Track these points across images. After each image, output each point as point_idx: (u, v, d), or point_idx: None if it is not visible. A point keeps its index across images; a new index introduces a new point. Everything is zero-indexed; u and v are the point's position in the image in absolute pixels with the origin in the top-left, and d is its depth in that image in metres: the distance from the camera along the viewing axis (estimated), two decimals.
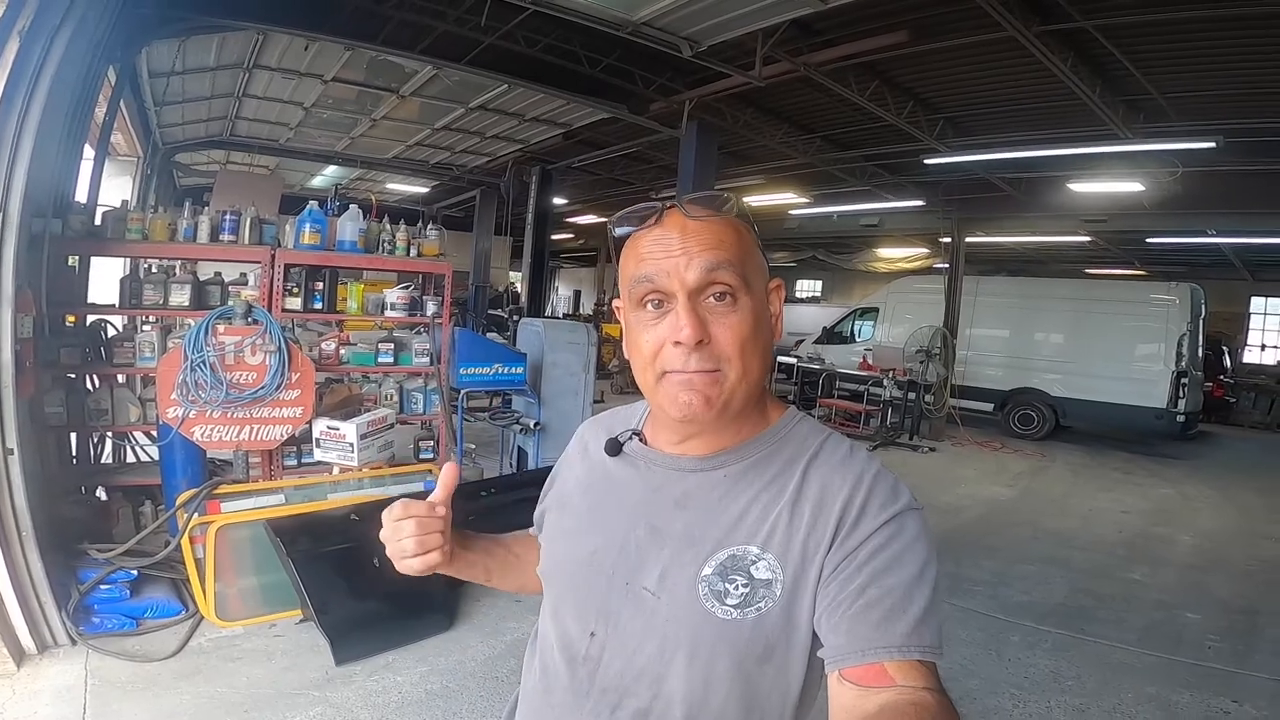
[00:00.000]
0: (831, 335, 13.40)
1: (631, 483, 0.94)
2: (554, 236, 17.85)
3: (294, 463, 4.39)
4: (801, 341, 14.19)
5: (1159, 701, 3.46)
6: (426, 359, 4.80)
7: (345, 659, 3.20)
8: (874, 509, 0.79)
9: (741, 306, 0.80)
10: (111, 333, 4.29)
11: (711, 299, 0.80)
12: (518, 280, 15.31)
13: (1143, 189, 9.17)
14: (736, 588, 0.81)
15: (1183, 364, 10.06)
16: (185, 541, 3.43)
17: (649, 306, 0.82)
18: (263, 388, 3.82)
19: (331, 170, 13.40)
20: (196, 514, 3.51)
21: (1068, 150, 8.18)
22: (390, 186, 14.48)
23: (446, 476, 1.00)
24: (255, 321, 3.88)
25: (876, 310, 12.85)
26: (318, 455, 4.07)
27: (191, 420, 3.74)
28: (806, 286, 25.10)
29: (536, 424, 5.28)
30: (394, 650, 3.34)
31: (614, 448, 0.97)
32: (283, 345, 3.88)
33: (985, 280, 12.26)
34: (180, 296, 4.19)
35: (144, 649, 3.19)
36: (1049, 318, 11.39)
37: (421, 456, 4.83)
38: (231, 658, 3.22)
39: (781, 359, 12.40)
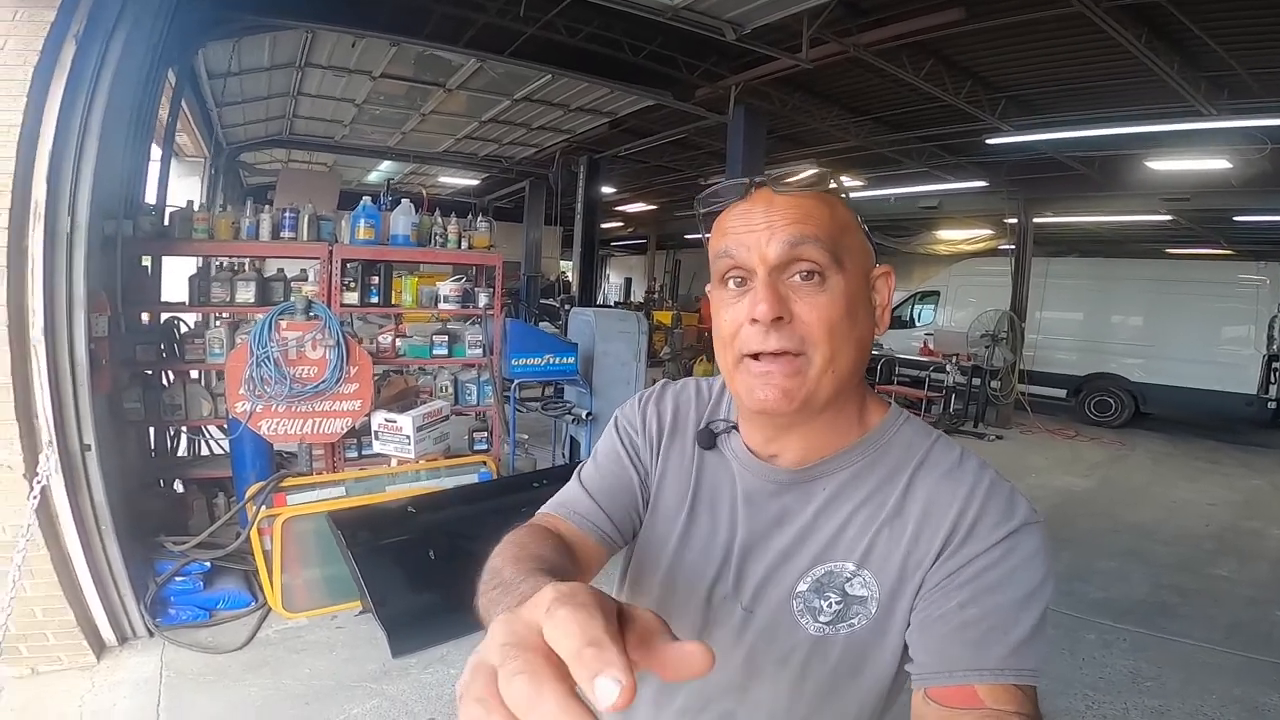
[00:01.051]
0: (892, 320, 13.01)
1: (725, 487, 0.88)
2: (603, 225, 17.83)
3: (355, 455, 4.46)
4: None
5: (1245, 704, 3.24)
6: (479, 350, 4.81)
7: (401, 651, 3.23)
8: (985, 528, 0.73)
9: (831, 287, 0.73)
10: (184, 330, 4.44)
11: (797, 277, 0.73)
12: (569, 270, 15.35)
13: (1230, 166, 8.55)
14: (830, 604, 0.79)
15: (1274, 347, 9.43)
16: (254, 534, 3.52)
17: (730, 284, 0.77)
18: (323, 381, 3.88)
19: (386, 165, 13.64)
20: (264, 506, 3.60)
21: (1146, 128, 7.74)
22: (442, 180, 14.67)
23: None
24: (315, 317, 3.94)
25: (937, 294, 12.40)
26: (376, 447, 4.12)
27: (259, 414, 3.83)
28: None
29: (588, 414, 5.24)
30: (448, 643, 3.36)
31: (708, 439, 0.89)
32: (341, 339, 3.93)
33: (1056, 261, 11.69)
34: (246, 293, 4.30)
35: (215, 640, 3.29)
36: (1127, 299, 10.77)
37: (476, 448, 4.85)
38: (296, 649, 3.29)
39: None
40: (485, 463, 4.35)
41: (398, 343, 4.68)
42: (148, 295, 4.40)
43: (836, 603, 0.78)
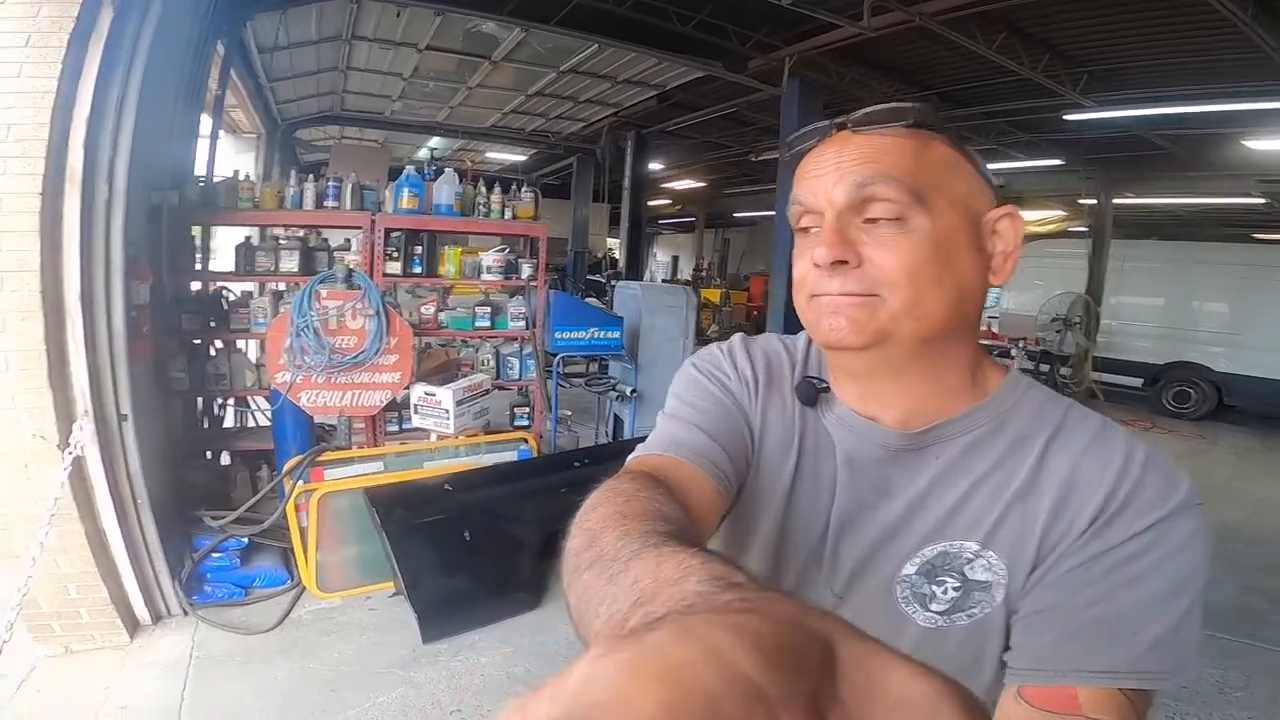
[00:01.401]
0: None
1: (825, 450, 0.77)
2: (651, 203, 17.59)
3: (395, 429, 4.38)
4: None
5: None
6: (522, 323, 4.67)
7: (432, 637, 3.13)
8: (1139, 507, 0.63)
9: (914, 229, 0.65)
10: (230, 300, 4.41)
11: (874, 220, 0.66)
12: (616, 247, 15.18)
13: None
14: (946, 590, 0.70)
15: None
16: (290, 509, 3.45)
17: (805, 231, 0.72)
18: (363, 352, 3.79)
19: (435, 141, 13.65)
20: (301, 481, 3.53)
21: (1245, 105, 7.22)
22: (490, 155, 14.60)
23: None
24: (356, 286, 3.84)
25: None
26: (415, 421, 4.03)
27: (298, 385, 3.76)
28: None
29: (633, 391, 5.06)
30: (479, 629, 3.25)
31: (809, 393, 0.78)
32: (381, 309, 3.82)
33: (1134, 245, 10.99)
34: (289, 262, 4.24)
35: (248, 620, 3.25)
36: (1211, 285, 9.99)
37: (517, 424, 4.72)
38: (327, 631, 3.21)
39: None
40: (525, 440, 4.21)
41: (440, 314, 4.57)
42: (194, 265, 4.40)
43: (954, 588, 0.69)
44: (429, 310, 4.51)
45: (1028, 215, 14.58)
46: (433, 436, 4.03)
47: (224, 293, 4.44)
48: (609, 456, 4.47)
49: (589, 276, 12.79)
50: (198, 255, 4.53)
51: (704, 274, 17.17)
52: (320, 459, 3.62)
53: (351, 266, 3.93)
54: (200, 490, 3.96)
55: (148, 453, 3.17)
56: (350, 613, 3.37)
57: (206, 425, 4.52)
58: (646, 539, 0.44)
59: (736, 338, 0.88)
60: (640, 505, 0.54)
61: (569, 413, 5.28)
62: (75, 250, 2.85)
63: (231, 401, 4.67)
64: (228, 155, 8.08)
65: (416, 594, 3.14)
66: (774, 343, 0.86)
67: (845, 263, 0.66)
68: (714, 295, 14.62)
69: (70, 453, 2.68)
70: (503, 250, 4.78)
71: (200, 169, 5.19)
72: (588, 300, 5.09)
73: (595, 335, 4.80)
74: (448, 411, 3.83)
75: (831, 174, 0.68)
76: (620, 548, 0.44)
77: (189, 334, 4.08)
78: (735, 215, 22.11)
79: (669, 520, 0.52)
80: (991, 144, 10.31)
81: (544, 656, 3.12)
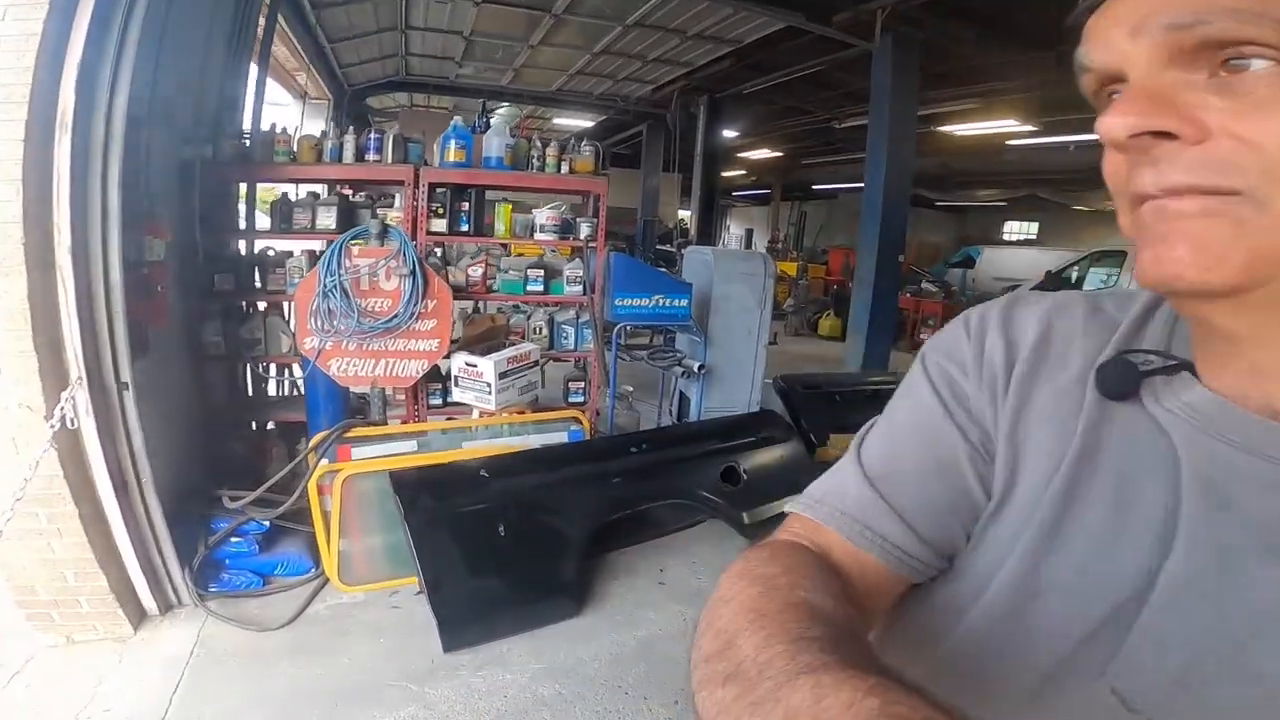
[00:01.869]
0: (1058, 281, 11.25)
1: (1148, 468, 0.47)
2: (725, 173, 16.79)
3: (439, 402, 3.99)
4: (1012, 288, 12.10)
5: None
6: (579, 288, 4.18)
7: (454, 645, 2.71)
8: None
9: None
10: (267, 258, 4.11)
11: (1221, 73, 0.39)
12: (688, 218, 14.54)
13: None
14: None
15: None
16: (313, 490, 3.09)
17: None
18: (396, 316, 3.38)
19: (504, 109, 13.30)
20: (326, 459, 3.17)
21: None
22: (558, 123, 14.16)
23: None
24: (391, 242, 3.43)
25: (1120, 255, 10.49)
26: (455, 395, 3.62)
27: (328, 352, 3.40)
28: (1017, 228, 21.82)
29: (701, 367, 4.49)
30: (510, 638, 2.82)
31: (1122, 379, 0.49)
32: (417, 269, 3.40)
33: None
34: (327, 219, 3.90)
35: (262, 614, 2.92)
36: None
37: (571, 399, 4.26)
38: (342, 631, 2.84)
39: None
40: (578, 419, 3.73)
41: (490, 278, 4.13)
42: (234, 223, 4.11)
43: None
44: (477, 272, 4.07)
45: None
46: (475, 413, 3.61)
47: (267, 253, 4.15)
48: (672, 441, 3.95)
49: (659, 246, 12.20)
50: (241, 213, 4.28)
51: (779, 247, 16.29)
52: (348, 435, 3.25)
53: (388, 221, 3.52)
54: (237, 464, 3.69)
55: (157, 425, 2.86)
56: (371, 610, 3.00)
57: (251, 393, 4.26)
58: (797, 654, 0.36)
59: (1000, 300, 0.61)
60: (783, 598, 0.43)
61: (630, 388, 4.77)
62: (66, 199, 2.51)
63: (273, 368, 4.41)
64: (300, 123, 7.98)
65: (439, 595, 2.71)
66: (1072, 304, 0.57)
67: (1168, 135, 0.40)
68: (790, 268, 13.77)
69: (54, 424, 2.36)
70: (558, 207, 4.28)
71: (249, 124, 4.92)
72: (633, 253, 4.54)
73: (660, 304, 4.25)
74: (489, 385, 3.38)
75: (1130, 9, 0.42)
76: (764, 664, 0.36)
77: (223, 295, 3.79)
78: (814, 188, 20.98)
79: (823, 620, 0.41)
80: None
81: (581, 677, 2.66)
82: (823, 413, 5.57)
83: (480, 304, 4.54)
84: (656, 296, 4.23)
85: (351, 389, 3.66)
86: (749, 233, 21.95)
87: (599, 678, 2.67)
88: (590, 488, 3.23)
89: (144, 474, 2.73)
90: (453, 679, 2.59)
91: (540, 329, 4.23)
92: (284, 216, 3.93)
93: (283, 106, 9.42)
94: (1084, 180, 13.72)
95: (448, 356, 3.58)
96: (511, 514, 2.97)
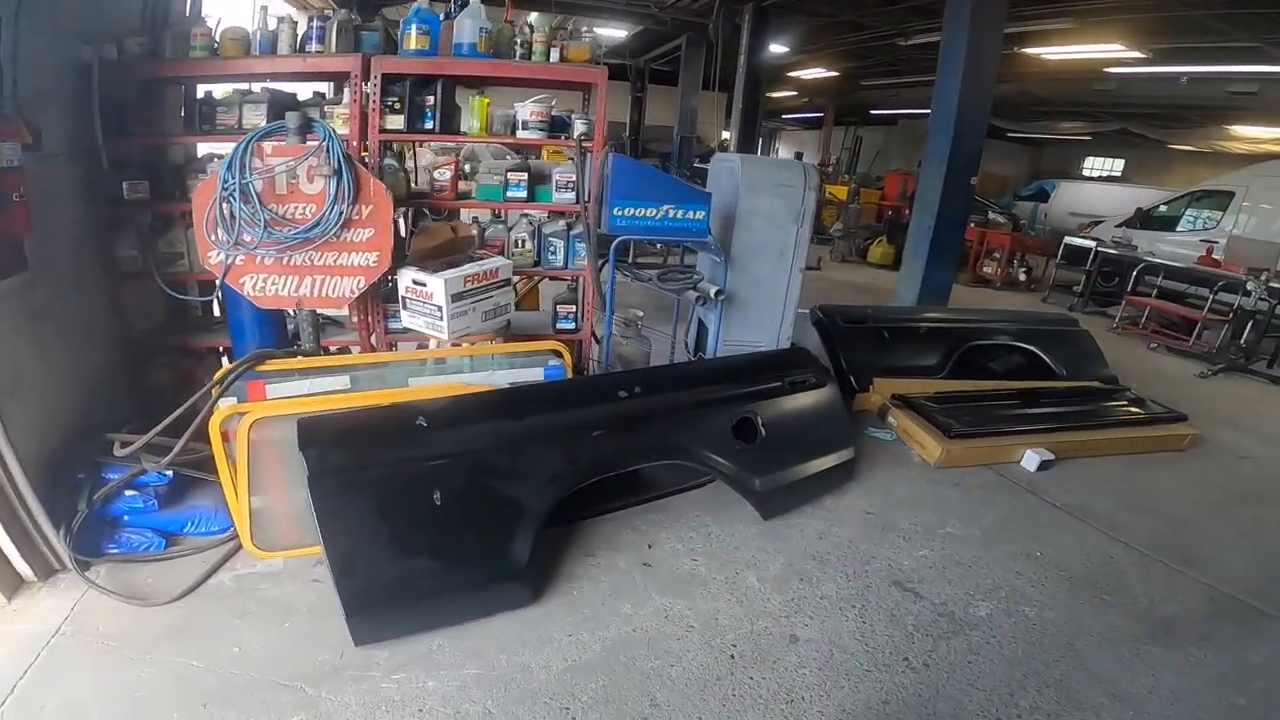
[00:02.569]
0: (1148, 219, 9.96)
1: None
2: (773, 94, 15.41)
3: (401, 327, 3.32)
4: (1093, 224, 11.21)
5: None
6: (571, 195, 3.41)
7: (369, 638, 2.11)
8: None
9: None
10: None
11: None
12: (730, 139, 13.41)
13: None
14: None
15: None
16: (215, 435, 2.46)
17: None
18: (317, 224, 2.67)
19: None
20: (235, 398, 2.54)
21: None
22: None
23: None
24: (313, 137, 2.70)
25: (1228, 195, 9.12)
26: (405, 320, 2.93)
27: (239, 268, 2.74)
28: (1099, 165, 20.09)
29: (718, 293, 3.69)
30: (444, 630, 2.22)
31: None
32: (343, 168, 2.66)
33: None
34: (255, 116, 3.22)
35: (155, 584, 2.38)
36: None
37: (559, 326, 3.55)
38: (241, 612, 2.26)
39: (1072, 241, 9.72)
40: (558, 352, 3.01)
41: (461, 181, 3.38)
42: (151, 127, 3.44)
43: None
44: (444, 175, 3.32)
45: (1270, 132, 11.39)
46: (432, 343, 2.93)
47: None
48: (673, 383, 3.19)
49: (697, 164, 11.15)
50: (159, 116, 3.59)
51: (830, 169, 15.01)
52: (262, 368, 2.60)
53: (309, 114, 2.78)
54: (167, 397, 3.11)
55: (46, 353, 2.29)
56: (287, 583, 2.41)
57: (181, 316, 3.66)
58: None
59: None
60: None
61: (640, 313, 4.02)
62: None
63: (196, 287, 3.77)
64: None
65: (350, 576, 2.08)
66: None
67: None
68: (840, 191, 12.61)
69: None
70: (544, 100, 3.46)
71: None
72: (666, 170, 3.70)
73: (671, 215, 3.44)
74: (439, 308, 2.69)
75: None
76: None
77: (137, 205, 3.15)
78: (872, 112, 19.33)
79: None
80: (1255, 39, 7.74)
81: (520, 691, 2.04)
82: (867, 351, 4.74)
83: (455, 215, 3.81)
84: (666, 206, 3.41)
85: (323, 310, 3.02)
86: (798, 156, 20.57)
87: (543, 693, 2.04)
88: (561, 443, 2.54)
89: None
90: (359, 682, 2.01)
91: (523, 242, 3.49)
92: (205, 117, 3.26)
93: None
94: (1187, 117, 12.07)
95: (392, 273, 2.88)
96: (453, 475, 2.30)
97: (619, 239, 3.44)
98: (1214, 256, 7.84)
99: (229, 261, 2.70)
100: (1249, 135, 11.98)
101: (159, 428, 2.49)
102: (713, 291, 3.66)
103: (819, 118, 20.76)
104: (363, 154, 3.13)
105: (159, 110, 3.53)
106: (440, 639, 2.19)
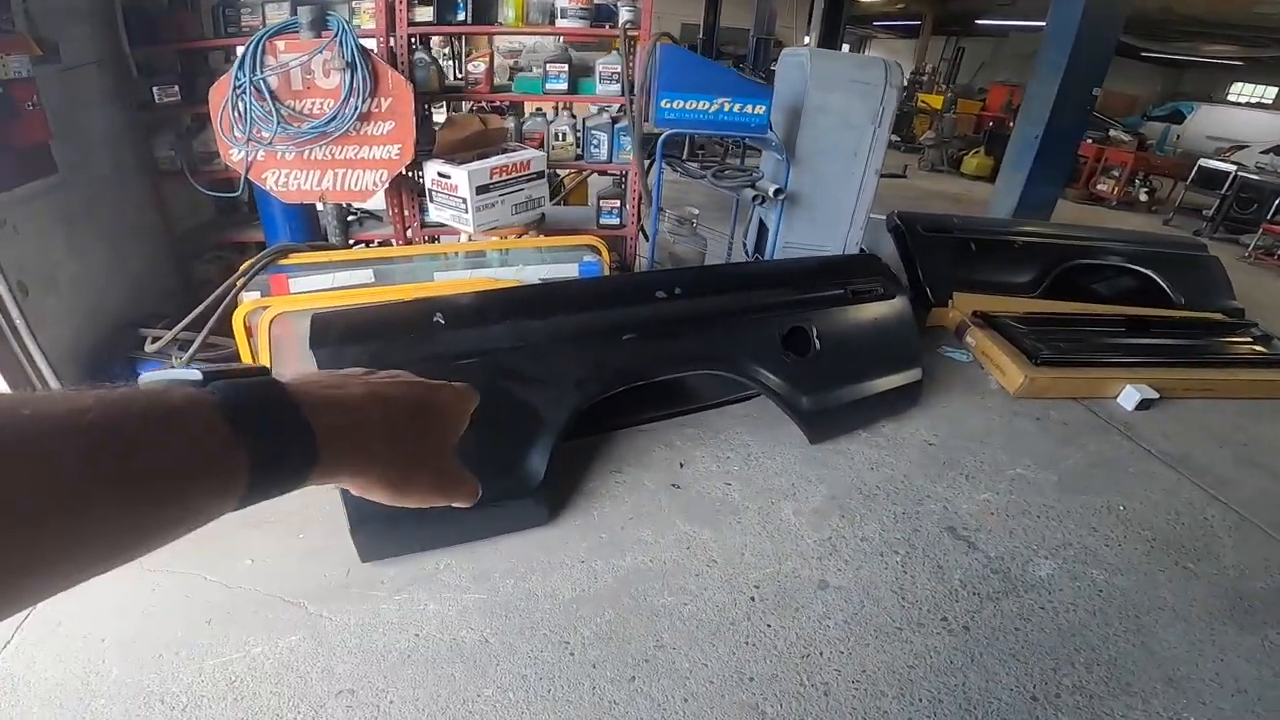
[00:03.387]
0: None
1: None
2: None
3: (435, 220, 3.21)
4: (1237, 149, 10.05)
5: None
6: (616, 86, 3.11)
7: (375, 554, 2.05)
8: None
9: None
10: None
11: None
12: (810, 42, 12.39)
13: None
14: None
15: None
16: (239, 329, 2.42)
17: None
18: (332, 118, 2.52)
19: None
20: (258, 293, 2.48)
21: None
22: None
23: None
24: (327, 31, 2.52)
25: None
26: (432, 214, 2.78)
27: (260, 164, 2.64)
28: (1248, 91, 17.82)
29: (778, 191, 3.34)
30: (455, 549, 2.12)
31: None
32: (357, 60, 2.48)
33: None
34: (279, 14, 3.04)
35: None
36: None
37: (603, 221, 3.34)
38: (256, 520, 2.23)
39: (1207, 163, 8.71)
40: (595, 247, 2.80)
41: (497, 74, 3.14)
42: (180, 32, 3.34)
43: None
44: (478, 68, 3.08)
45: None
46: (462, 236, 2.77)
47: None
48: (721, 284, 2.92)
49: (774, 67, 10.34)
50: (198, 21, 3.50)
51: (925, 79, 13.74)
52: (285, 261, 2.52)
53: (330, 10, 2.58)
54: (212, 290, 3.13)
55: (87, 252, 2.30)
56: (310, 493, 2.37)
57: (220, 211, 3.66)
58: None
59: None
60: None
61: (695, 210, 3.73)
62: None
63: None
64: None
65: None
66: None
67: None
68: (935, 100, 11.58)
69: None
70: None
71: None
72: (720, 63, 3.29)
73: (727, 109, 3.08)
74: (464, 201, 2.51)
75: None
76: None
77: (170, 108, 3.10)
78: (977, 22, 17.40)
79: None
80: None
81: (522, 621, 1.95)
82: (950, 263, 4.28)
83: (499, 107, 3.57)
84: (721, 100, 3.05)
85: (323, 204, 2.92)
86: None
87: (546, 624, 1.94)
88: (587, 346, 2.35)
89: (16, 319, 2.15)
90: (361, 602, 1.95)
91: (564, 135, 3.24)
92: (229, 20, 3.10)
93: None
94: None
95: (417, 166, 2.72)
96: (469, 378, 2.15)
97: (666, 133, 3.13)
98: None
99: (250, 158, 2.60)
100: None
101: (184, 323, 2.47)
102: (772, 190, 3.32)
103: (916, 26, 18.91)
104: (390, 47, 2.94)
105: (191, 16, 3.43)
106: (449, 558, 2.11)
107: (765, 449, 2.81)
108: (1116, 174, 8.94)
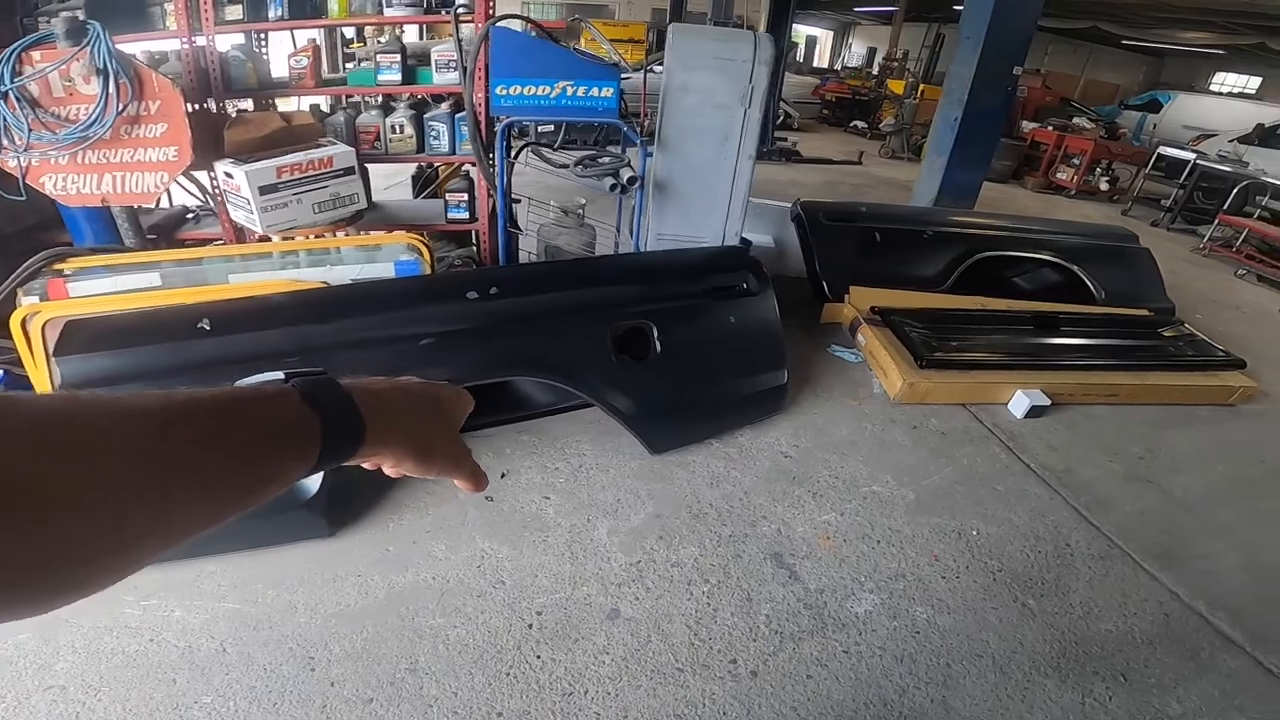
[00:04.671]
0: (1269, 136, 8.57)
1: None
2: None
3: None
4: (1203, 137, 10.06)
5: None
6: (455, 75, 2.93)
7: None
8: None
9: None
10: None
11: None
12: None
13: None
14: None
15: None
16: (16, 333, 2.26)
17: None
18: (90, 123, 2.38)
19: None
20: (37, 298, 2.32)
21: None
22: None
23: None
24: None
25: None
26: (231, 214, 2.61)
27: (37, 169, 2.51)
28: (1231, 81, 17.65)
29: (632, 179, 3.15)
30: (223, 557, 2.02)
31: None
32: (109, 65, 2.33)
33: None
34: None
35: None
36: None
37: (451, 216, 3.19)
38: None
39: (1167, 151, 8.49)
40: (415, 245, 2.63)
41: (324, 67, 2.97)
42: None
43: None
44: (301, 63, 2.91)
45: None
46: (276, 237, 2.61)
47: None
48: (545, 283, 2.74)
49: None
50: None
51: (895, 64, 13.51)
52: (60, 264, 2.36)
53: (83, 16, 2.43)
54: None
55: None
56: None
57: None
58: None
59: None
60: None
61: (583, 201, 3.55)
62: None
63: None
64: None
65: None
66: None
67: None
68: (898, 86, 11.41)
69: None
70: None
71: None
72: (558, 42, 3.07)
73: (569, 92, 2.90)
74: (248, 200, 2.33)
75: None
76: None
77: None
78: (955, 8, 17.07)
79: None
80: None
81: (270, 634, 1.83)
82: (853, 255, 4.07)
83: (339, 103, 3.38)
84: (562, 84, 2.87)
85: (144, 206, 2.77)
86: (871, 52, 18.74)
87: (295, 638, 1.81)
88: (375, 351, 2.18)
89: None
90: (107, 606, 1.86)
91: (401, 127, 3.06)
92: (26, 28, 2.90)
93: None
94: None
95: (205, 166, 2.57)
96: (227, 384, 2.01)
97: (507, 120, 2.95)
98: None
99: (24, 163, 2.46)
100: None
101: None
102: (626, 178, 3.13)
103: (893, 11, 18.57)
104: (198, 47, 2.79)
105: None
106: (215, 565, 1.99)
107: (601, 460, 2.64)
108: (1076, 162, 8.69)
